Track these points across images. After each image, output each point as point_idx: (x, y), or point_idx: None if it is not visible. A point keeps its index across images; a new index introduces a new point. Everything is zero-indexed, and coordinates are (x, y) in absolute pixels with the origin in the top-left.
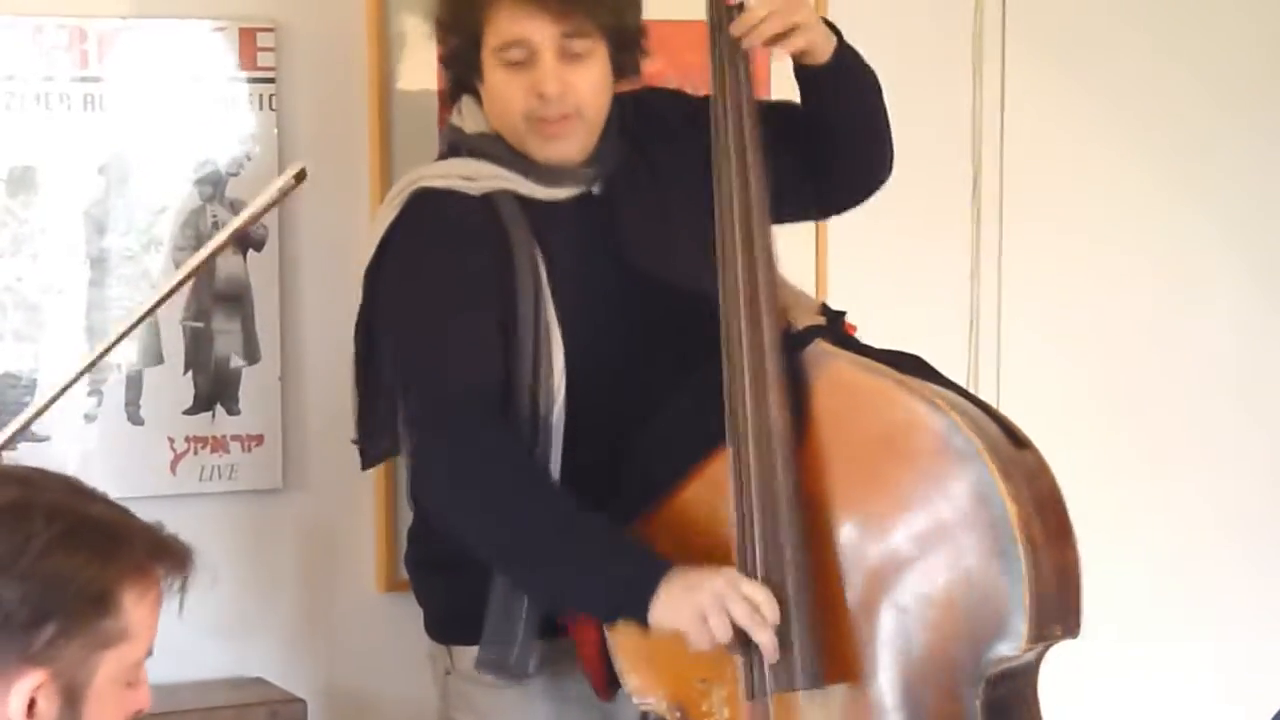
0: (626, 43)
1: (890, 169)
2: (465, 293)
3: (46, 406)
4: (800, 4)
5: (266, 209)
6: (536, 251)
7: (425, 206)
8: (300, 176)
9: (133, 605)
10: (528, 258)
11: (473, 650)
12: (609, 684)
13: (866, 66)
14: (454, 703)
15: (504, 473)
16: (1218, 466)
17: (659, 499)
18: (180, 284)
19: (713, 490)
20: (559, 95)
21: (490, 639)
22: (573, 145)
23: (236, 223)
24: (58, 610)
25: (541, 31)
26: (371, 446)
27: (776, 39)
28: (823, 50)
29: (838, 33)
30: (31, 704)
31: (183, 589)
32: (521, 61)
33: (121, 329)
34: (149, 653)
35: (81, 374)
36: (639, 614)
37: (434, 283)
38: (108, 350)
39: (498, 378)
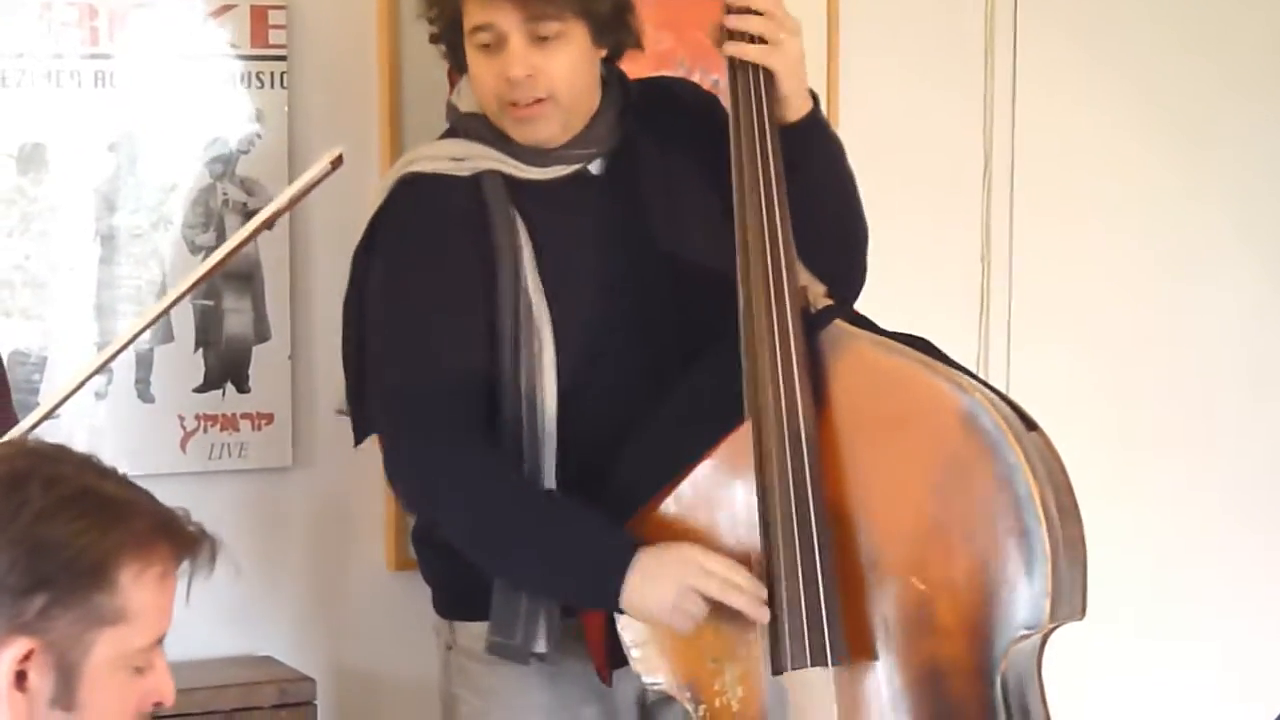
0: (606, 21)
1: (862, 267)
2: (444, 287)
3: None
4: (794, 31)
5: (302, 195)
6: (520, 232)
7: (410, 194)
8: (337, 162)
9: (130, 584)
10: (510, 241)
11: (474, 626)
12: (610, 664)
13: (838, 141)
14: (454, 678)
15: (470, 467)
16: (1226, 455)
17: (666, 485)
18: (209, 274)
19: (729, 469)
20: (526, 80)
21: (497, 622)
22: (547, 127)
23: (271, 209)
24: (49, 579)
25: (507, 17)
26: (360, 423)
27: (757, 40)
28: (797, 104)
29: (816, 102)
30: (22, 675)
31: (193, 573)
32: (491, 44)
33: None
34: (160, 639)
35: (107, 362)
36: (610, 606)
37: (414, 276)
38: (134, 338)
39: (475, 374)
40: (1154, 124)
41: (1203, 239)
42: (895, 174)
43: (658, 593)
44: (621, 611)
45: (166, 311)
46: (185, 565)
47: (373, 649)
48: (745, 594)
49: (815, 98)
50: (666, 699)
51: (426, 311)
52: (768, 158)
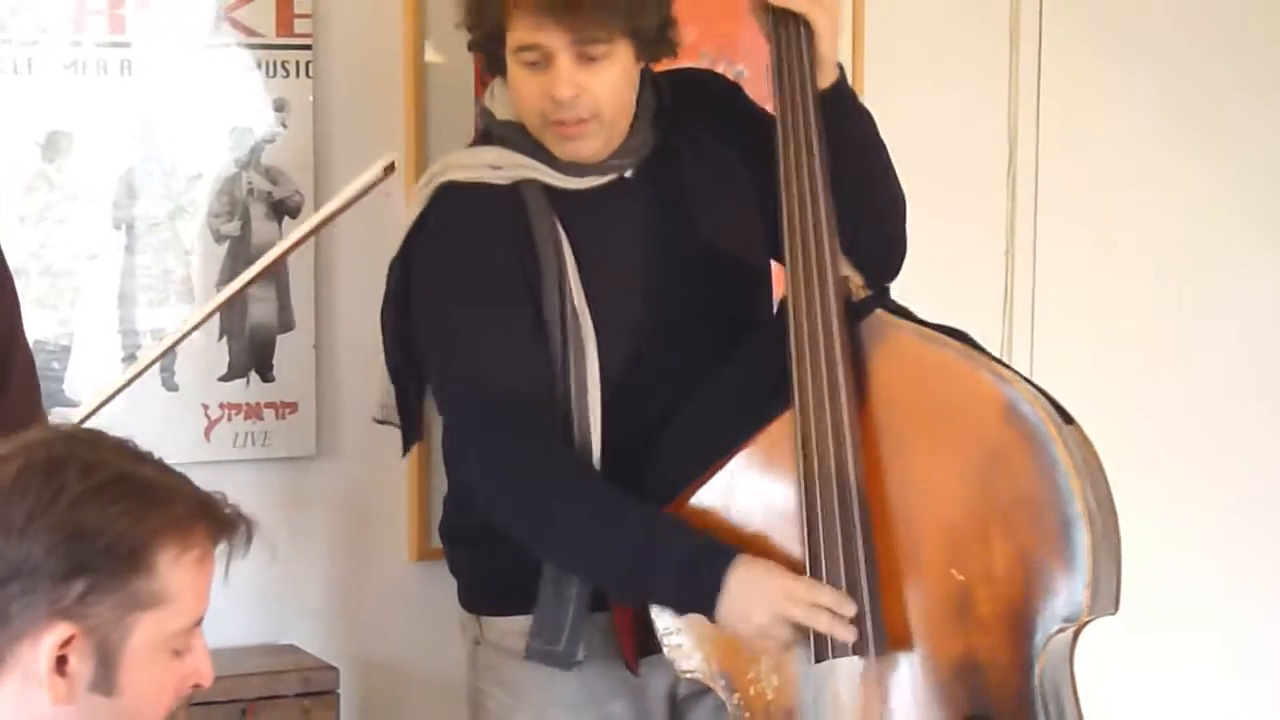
0: (651, 38)
1: (903, 239)
2: (495, 295)
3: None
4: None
5: (354, 200)
6: (562, 241)
7: (448, 203)
8: (389, 169)
9: (168, 568)
10: (552, 249)
11: (503, 621)
12: (639, 654)
13: (867, 110)
14: (482, 673)
15: (550, 475)
16: (1252, 451)
17: (702, 474)
18: (249, 284)
19: (767, 459)
20: (573, 99)
21: (542, 628)
22: (590, 145)
23: (323, 214)
24: (88, 564)
25: (556, 38)
26: (408, 430)
27: None
28: (830, 70)
29: (843, 72)
30: (62, 660)
31: (231, 555)
32: (538, 63)
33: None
34: (198, 621)
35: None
36: (706, 613)
37: (463, 287)
38: (174, 345)
39: (533, 379)
40: (1178, 120)
41: (1228, 229)
42: (919, 168)
43: (751, 615)
44: (712, 619)
45: (220, 308)
46: (223, 547)
47: (395, 638)
48: (831, 619)
49: (842, 68)
50: (698, 692)
51: (482, 315)
52: (811, 131)
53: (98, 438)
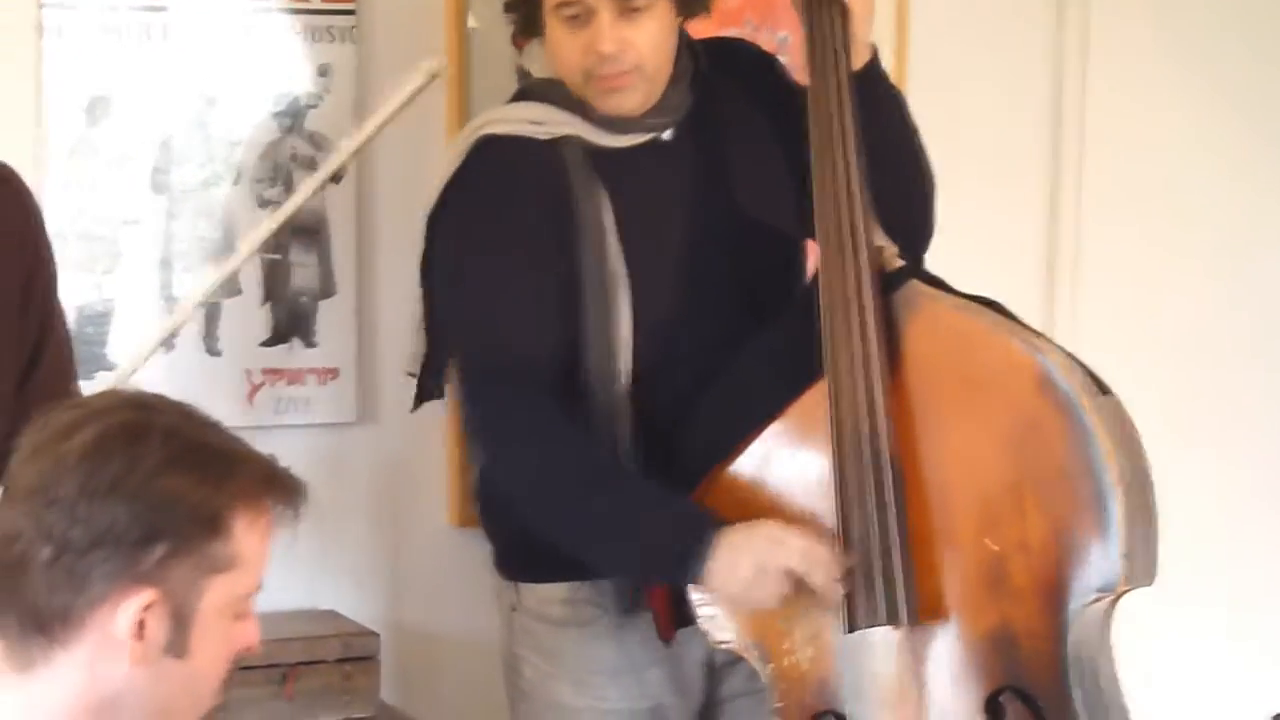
0: None
1: (931, 221)
2: (523, 252)
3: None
4: None
5: (401, 109)
6: (605, 200)
7: (488, 156)
8: (436, 73)
9: (243, 532)
10: (592, 208)
11: (540, 588)
12: (675, 624)
13: (900, 92)
14: (519, 639)
15: (549, 439)
16: None
17: (737, 444)
18: (316, 191)
19: (801, 430)
20: (616, 54)
21: (579, 597)
22: (632, 98)
23: (371, 125)
24: (168, 530)
25: None
26: (423, 383)
27: None
28: (863, 50)
29: (875, 53)
30: (141, 624)
31: (295, 521)
32: (578, 17)
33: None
34: (259, 587)
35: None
36: (693, 580)
37: (491, 242)
38: (246, 258)
39: (550, 341)
40: (1226, 87)
41: (1271, 219)
42: (961, 153)
43: (740, 569)
44: (702, 589)
45: (273, 232)
46: (285, 513)
47: (435, 604)
48: (825, 569)
49: (875, 49)
50: (735, 660)
51: (504, 275)
52: (845, 105)
53: (165, 403)
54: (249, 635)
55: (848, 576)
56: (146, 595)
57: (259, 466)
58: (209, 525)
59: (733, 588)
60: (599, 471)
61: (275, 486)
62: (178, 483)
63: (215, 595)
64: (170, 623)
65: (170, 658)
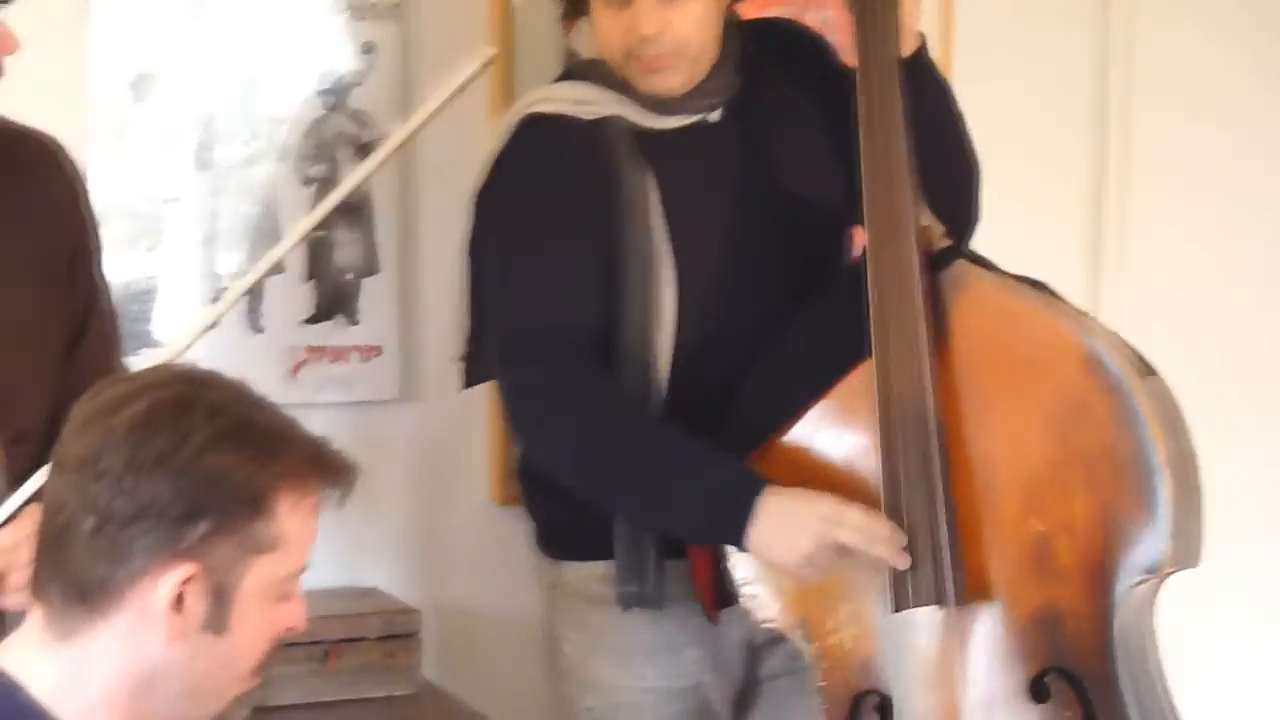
0: None
1: (976, 209)
2: (565, 230)
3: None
4: None
5: (455, 96)
6: (649, 180)
7: (534, 134)
8: (489, 63)
9: (287, 513)
10: (636, 187)
11: (580, 566)
12: (718, 604)
13: (945, 80)
14: (559, 617)
15: (589, 405)
16: None
17: (784, 422)
18: (366, 177)
19: (848, 408)
20: (657, 35)
21: (624, 573)
22: (674, 78)
23: (423, 113)
24: (211, 507)
25: None
26: (474, 367)
27: None
28: (910, 38)
29: (923, 42)
30: (179, 599)
31: (342, 502)
32: None
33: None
34: (304, 568)
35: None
36: (733, 542)
37: (534, 216)
38: (294, 244)
39: (590, 315)
40: (1273, 103)
41: None
42: (1006, 147)
43: (792, 541)
44: (743, 549)
45: (324, 212)
46: (332, 494)
47: (476, 582)
48: (887, 544)
49: (923, 37)
50: (775, 640)
51: (546, 252)
52: (893, 89)
53: (215, 379)
54: (293, 617)
55: (908, 552)
56: (186, 569)
57: (307, 447)
58: (252, 505)
59: (783, 553)
60: (643, 429)
61: (322, 468)
62: (223, 460)
63: (257, 575)
64: (210, 599)
65: (209, 634)
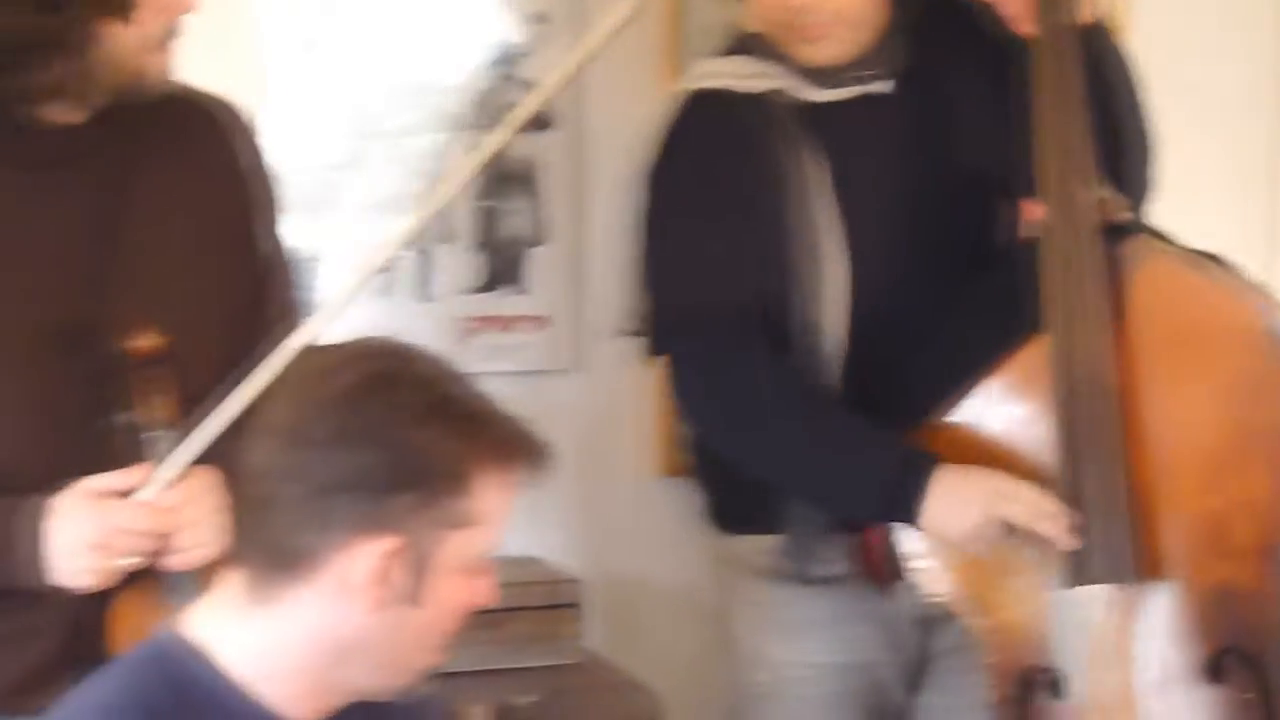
0: None
1: (1152, 180)
2: (731, 203)
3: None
4: None
5: (608, 41)
6: (813, 155)
7: (699, 109)
8: (639, 10)
9: (486, 490)
10: (801, 162)
11: (750, 540)
12: (888, 579)
13: (1124, 49)
14: (728, 592)
15: (755, 382)
16: None
17: (953, 397)
18: (509, 136)
19: (1020, 383)
20: (813, 5)
21: (791, 548)
22: (834, 47)
23: (576, 57)
24: (414, 481)
25: None
26: (651, 341)
27: None
28: (1088, 5)
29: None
30: (379, 570)
31: (532, 482)
32: None
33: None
34: (497, 545)
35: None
36: (907, 520)
37: (701, 192)
38: (447, 200)
39: (757, 291)
40: None
41: None
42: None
43: (961, 515)
44: (916, 527)
45: (474, 174)
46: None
47: (639, 553)
48: (1054, 521)
49: (1101, 7)
50: (946, 614)
51: (711, 227)
52: (1071, 58)
53: (419, 354)
54: (485, 591)
55: (1077, 531)
56: (388, 542)
57: (507, 427)
58: (454, 481)
59: (952, 528)
60: (812, 406)
61: (521, 448)
62: (429, 435)
63: (453, 549)
64: (408, 572)
65: (404, 606)
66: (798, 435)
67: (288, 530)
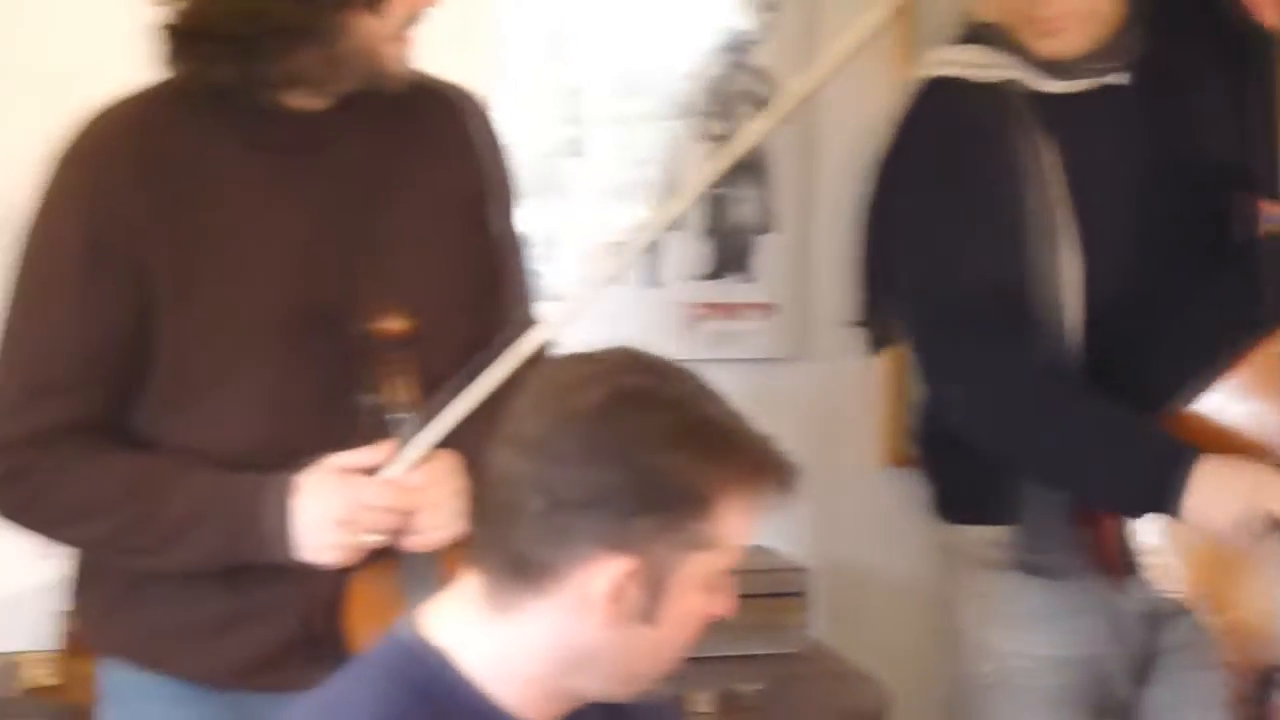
0: None
1: None
2: (968, 195)
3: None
4: None
5: (861, 45)
6: (1048, 146)
7: (933, 100)
8: (904, 10)
9: (730, 514)
10: (1036, 154)
11: (977, 530)
12: (1121, 573)
13: None
14: (953, 583)
15: (1014, 373)
16: None
17: (1191, 395)
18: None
19: (1262, 380)
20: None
21: (1025, 540)
22: (1073, 40)
23: (830, 60)
24: (660, 503)
25: None
26: (877, 333)
27: None
28: None
29: None
30: (618, 589)
31: (778, 505)
32: None
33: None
34: (736, 563)
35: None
36: (1170, 509)
37: (943, 184)
38: (692, 200)
39: (1013, 280)
40: None
41: None
42: None
43: (1225, 506)
44: (1177, 517)
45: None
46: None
47: (864, 543)
48: None
49: None
50: (1176, 610)
51: (952, 217)
52: None
53: (672, 370)
54: (722, 605)
55: None
56: (627, 562)
57: (756, 450)
58: (699, 504)
59: (1216, 517)
60: (1066, 397)
61: (768, 472)
62: (677, 458)
63: (692, 570)
64: (645, 591)
65: (640, 624)
66: (1065, 422)
67: (529, 542)
